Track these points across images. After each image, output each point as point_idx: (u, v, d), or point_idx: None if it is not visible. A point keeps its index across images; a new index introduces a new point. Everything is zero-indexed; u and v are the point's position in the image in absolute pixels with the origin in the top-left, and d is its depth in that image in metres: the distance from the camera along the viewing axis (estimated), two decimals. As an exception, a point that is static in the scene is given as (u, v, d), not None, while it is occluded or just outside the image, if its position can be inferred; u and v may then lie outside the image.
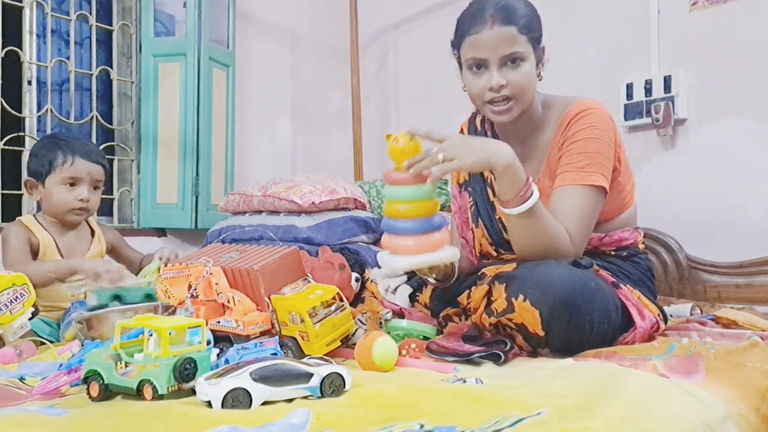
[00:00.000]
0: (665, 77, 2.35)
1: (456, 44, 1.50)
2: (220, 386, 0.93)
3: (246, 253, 1.47)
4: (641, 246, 1.57)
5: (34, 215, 1.92)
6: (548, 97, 1.56)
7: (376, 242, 2.44)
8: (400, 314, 1.58)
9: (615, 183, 1.49)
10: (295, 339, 1.29)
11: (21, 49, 2.56)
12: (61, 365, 1.14)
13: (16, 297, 1.42)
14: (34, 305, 1.47)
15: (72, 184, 1.84)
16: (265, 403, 0.95)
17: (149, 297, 1.62)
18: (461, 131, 1.71)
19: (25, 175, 2.02)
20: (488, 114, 1.49)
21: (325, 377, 1.00)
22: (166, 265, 1.77)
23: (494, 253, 1.58)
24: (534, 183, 1.50)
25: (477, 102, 1.49)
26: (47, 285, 1.75)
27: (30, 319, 1.47)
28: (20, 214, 2.34)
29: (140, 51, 2.87)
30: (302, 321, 1.26)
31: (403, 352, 1.29)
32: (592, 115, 1.45)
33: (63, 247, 1.86)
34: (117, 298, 1.57)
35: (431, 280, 1.57)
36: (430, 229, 1.31)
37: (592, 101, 1.49)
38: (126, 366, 1.03)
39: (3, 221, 2.45)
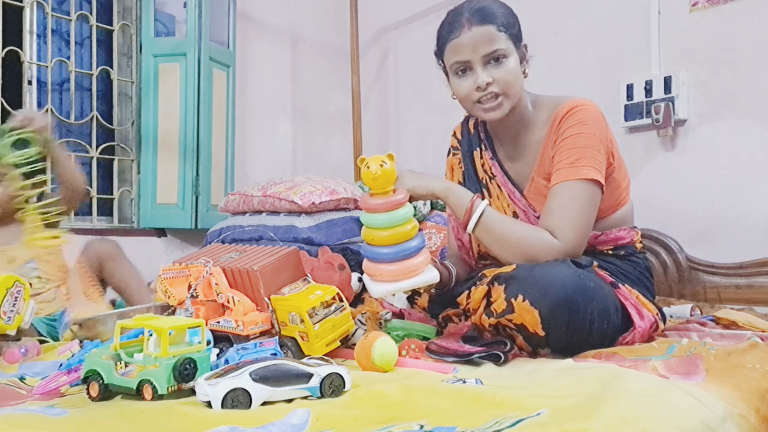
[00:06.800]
0: (665, 78, 2.35)
1: (439, 54, 1.52)
2: (219, 386, 0.93)
3: (246, 253, 1.47)
4: (638, 245, 1.57)
5: None
6: (538, 96, 1.56)
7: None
8: (399, 315, 1.58)
9: (610, 179, 1.49)
10: (294, 339, 1.29)
11: (21, 49, 2.56)
12: (61, 365, 1.14)
13: (16, 297, 1.45)
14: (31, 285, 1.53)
15: None
16: (264, 404, 0.95)
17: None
18: (454, 135, 1.73)
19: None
20: (479, 114, 1.49)
21: (324, 377, 1.00)
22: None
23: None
24: (529, 183, 1.50)
25: (467, 104, 1.50)
26: None
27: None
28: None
29: (140, 51, 2.87)
30: (302, 321, 1.26)
31: (403, 352, 1.29)
32: (581, 112, 1.46)
33: None
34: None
35: (432, 290, 1.58)
36: (409, 253, 1.30)
37: (582, 99, 1.49)
38: (126, 366, 1.03)
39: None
